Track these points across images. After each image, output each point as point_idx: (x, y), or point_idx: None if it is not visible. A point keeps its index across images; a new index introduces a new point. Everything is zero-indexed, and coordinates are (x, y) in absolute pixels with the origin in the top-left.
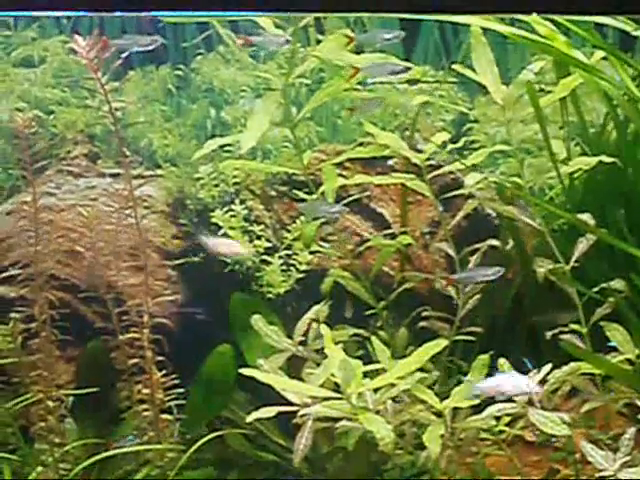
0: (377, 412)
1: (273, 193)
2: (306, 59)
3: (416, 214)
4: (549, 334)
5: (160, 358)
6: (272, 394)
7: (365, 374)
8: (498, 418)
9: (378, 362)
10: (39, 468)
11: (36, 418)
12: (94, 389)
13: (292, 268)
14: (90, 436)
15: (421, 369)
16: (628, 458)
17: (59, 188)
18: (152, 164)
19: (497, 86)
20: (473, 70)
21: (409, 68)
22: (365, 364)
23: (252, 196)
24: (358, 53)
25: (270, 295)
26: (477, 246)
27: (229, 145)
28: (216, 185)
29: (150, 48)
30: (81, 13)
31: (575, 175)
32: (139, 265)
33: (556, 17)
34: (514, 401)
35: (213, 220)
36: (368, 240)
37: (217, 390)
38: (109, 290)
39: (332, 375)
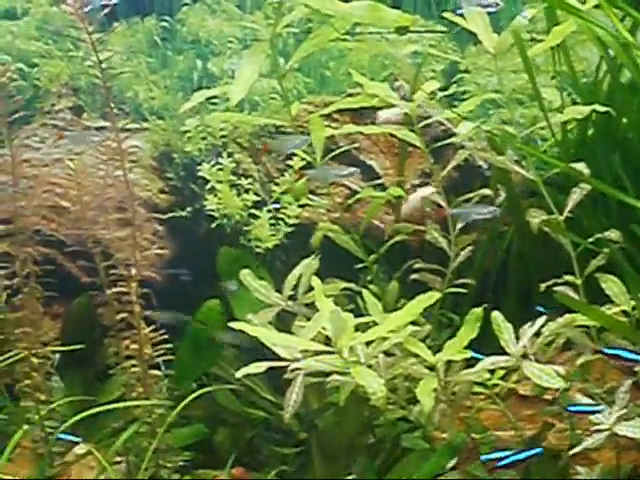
0: (369, 366)
1: (260, 146)
2: (294, 8)
3: (406, 165)
4: (543, 286)
5: (148, 313)
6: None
7: (356, 328)
8: (492, 371)
9: (369, 316)
10: (25, 426)
11: (21, 376)
12: (80, 346)
13: (281, 222)
14: (77, 393)
15: (413, 322)
16: (624, 411)
17: (44, 142)
18: (138, 117)
19: (488, 34)
20: (464, 18)
21: None
22: (356, 318)
23: (239, 149)
24: (346, 1)
25: (259, 250)
26: (469, 196)
27: (215, 97)
28: (203, 138)
29: None
30: None
31: (568, 127)
32: (126, 219)
33: None
34: (508, 354)
35: (200, 174)
36: (358, 192)
37: (206, 346)
38: (95, 245)
39: (323, 329)
